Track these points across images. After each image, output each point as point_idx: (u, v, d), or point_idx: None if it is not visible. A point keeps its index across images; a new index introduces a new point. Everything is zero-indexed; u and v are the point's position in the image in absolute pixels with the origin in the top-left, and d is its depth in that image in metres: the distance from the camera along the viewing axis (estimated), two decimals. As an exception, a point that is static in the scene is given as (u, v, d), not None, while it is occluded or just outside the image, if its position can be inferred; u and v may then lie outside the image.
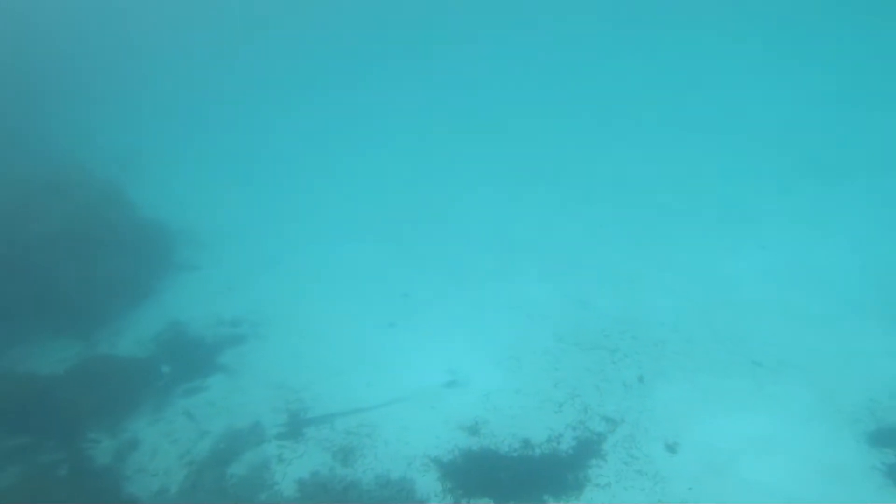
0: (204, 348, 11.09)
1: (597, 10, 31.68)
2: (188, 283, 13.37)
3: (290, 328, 11.54)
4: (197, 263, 14.16)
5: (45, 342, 11.03)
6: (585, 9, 31.87)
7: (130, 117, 24.71)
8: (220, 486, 8.13)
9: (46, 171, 12.66)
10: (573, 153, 18.72)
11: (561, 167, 17.79)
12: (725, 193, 15.16)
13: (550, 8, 32.22)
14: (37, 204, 11.74)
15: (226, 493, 7.98)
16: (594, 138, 19.64)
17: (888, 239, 12.34)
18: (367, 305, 12.07)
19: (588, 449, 8.23)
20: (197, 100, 26.88)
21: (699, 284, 11.65)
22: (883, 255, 11.88)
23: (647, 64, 26.90)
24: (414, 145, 20.32)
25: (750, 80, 23.44)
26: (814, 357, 9.54)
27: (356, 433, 8.81)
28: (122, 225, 13.23)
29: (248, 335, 11.41)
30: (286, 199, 17.33)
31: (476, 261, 13.30)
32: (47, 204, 11.85)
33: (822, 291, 11.10)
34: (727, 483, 7.47)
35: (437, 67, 28.18)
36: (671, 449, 8.09)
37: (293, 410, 9.39)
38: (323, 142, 21.74)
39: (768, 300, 10.95)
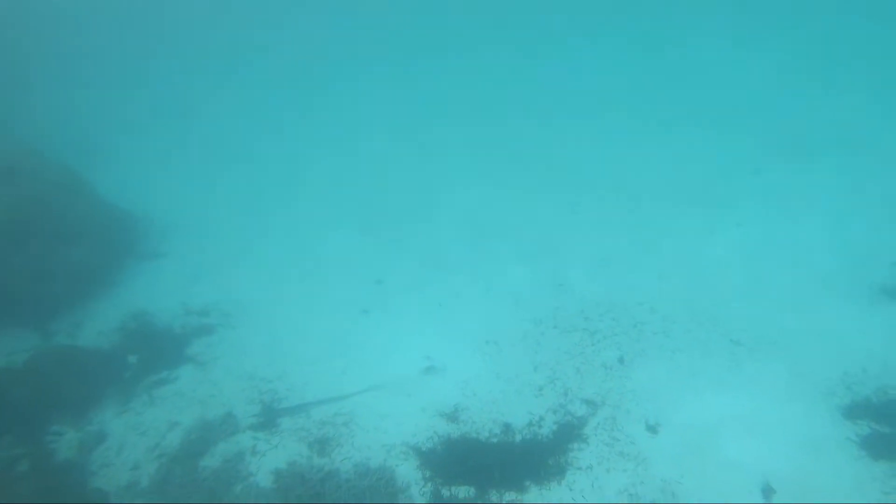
0: (172, 339, 10.77)
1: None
2: (153, 272, 12.95)
3: (260, 317, 11.26)
4: (162, 252, 13.70)
5: (1, 335, 10.56)
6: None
7: (94, 105, 23.77)
8: (193, 478, 7.91)
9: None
10: (548, 137, 18.60)
11: (534, 151, 17.66)
12: (699, 175, 15.24)
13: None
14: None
15: (199, 486, 7.77)
16: (567, 122, 19.55)
17: (859, 217, 12.56)
18: (340, 293, 11.84)
19: (569, 432, 8.23)
20: (165, 86, 26.02)
21: (676, 265, 11.71)
22: (854, 233, 12.09)
23: (617, 46, 26.89)
24: (385, 133, 19.95)
25: (720, 60, 23.57)
26: (789, 334, 9.65)
27: (332, 423, 8.66)
28: (82, 213, 12.71)
29: (217, 325, 11.10)
30: (255, 188, 16.87)
31: (450, 246, 13.16)
32: (-1, 190, 11.29)
33: (797, 270, 11.25)
34: (709, 462, 7.54)
35: (415, 59, 27.69)
36: (652, 429, 8.14)
37: (267, 401, 9.17)
38: (293, 130, 21.20)
39: (744, 280, 11.06)
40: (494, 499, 7.34)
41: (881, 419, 7.92)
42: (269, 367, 9.99)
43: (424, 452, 8.07)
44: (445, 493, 7.49)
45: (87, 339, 10.71)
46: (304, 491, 7.37)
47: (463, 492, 7.47)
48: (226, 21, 32.14)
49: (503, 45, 28.20)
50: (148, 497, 7.67)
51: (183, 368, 10.06)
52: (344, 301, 11.60)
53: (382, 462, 7.99)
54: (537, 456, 7.87)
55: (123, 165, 18.33)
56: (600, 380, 9.10)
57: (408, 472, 7.82)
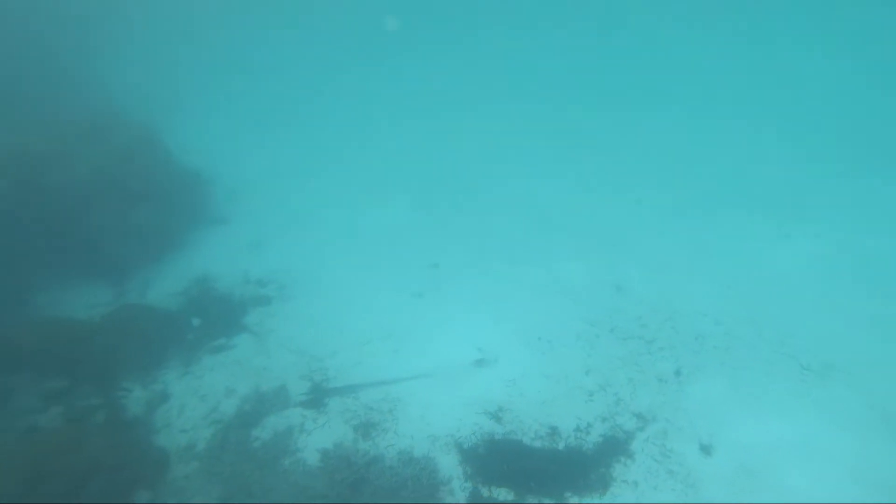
0: (231, 306, 11.19)
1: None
2: (218, 237, 13.44)
3: (315, 292, 11.54)
4: (228, 217, 14.19)
5: (77, 288, 11.27)
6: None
7: (173, 65, 24.55)
8: (245, 448, 8.27)
9: (85, 115, 12.62)
10: (618, 130, 17.98)
11: (604, 144, 17.13)
12: (777, 178, 14.42)
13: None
14: (73, 149, 11.76)
15: (250, 456, 8.13)
16: (641, 115, 18.80)
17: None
18: (396, 274, 11.96)
19: (617, 444, 8.10)
20: (242, 51, 26.58)
21: (745, 274, 11.20)
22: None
23: (702, 40, 25.43)
24: (457, 114, 19.74)
25: (805, 62, 21.98)
26: (864, 359, 9.14)
27: (378, 408, 8.83)
28: (157, 173, 13.25)
29: (273, 297, 11.46)
30: (324, 157, 17.10)
31: (510, 235, 13.02)
32: (83, 149, 11.87)
33: (878, 291, 10.56)
34: (763, 490, 7.29)
35: (485, 36, 27.07)
36: (706, 450, 7.92)
37: (317, 380, 9.43)
38: (366, 103, 21.23)
39: (819, 298, 10.47)
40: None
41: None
42: (320, 344, 10.25)
43: (467, 449, 8.14)
44: (485, 492, 7.55)
45: (155, 299, 11.28)
46: (349, 474, 7.59)
47: (502, 494, 7.50)
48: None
49: (579, 23, 27.17)
50: (204, 461, 8.09)
51: (240, 337, 10.46)
52: (398, 282, 11.73)
53: (426, 453, 8.11)
54: (581, 465, 7.81)
55: (198, 127, 18.94)
56: (654, 392, 8.89)
57: (450, 466, 7.92)
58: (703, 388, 8.86)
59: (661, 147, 16.46)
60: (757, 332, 9.80)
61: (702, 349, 9.59)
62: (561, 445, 8.15)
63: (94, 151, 11.99)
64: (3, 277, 10.19)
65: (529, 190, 14.68)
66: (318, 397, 9.14)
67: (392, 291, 11.47)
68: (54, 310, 10.61)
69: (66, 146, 11.69)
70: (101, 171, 11.85)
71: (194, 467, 7.97)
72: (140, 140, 13.29)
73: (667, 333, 10.01)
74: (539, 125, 18.12)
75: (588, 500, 7.38)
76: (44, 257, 11.01)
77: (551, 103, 19.70)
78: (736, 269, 11.35)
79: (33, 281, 10.90)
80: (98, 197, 11.78)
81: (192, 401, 9.11)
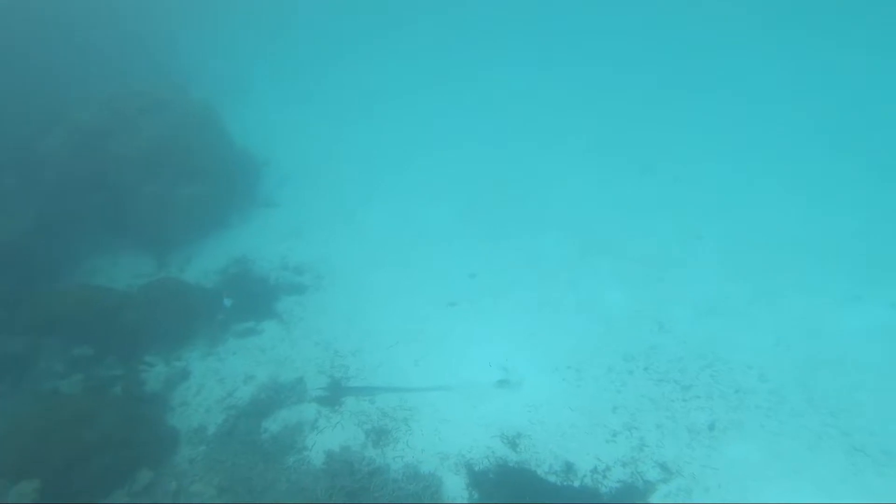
0: (265, 290, 11.24)
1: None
2: (263, 219, 13.58)
3: (349, 286, 11.46)
4: (275, 201, 14.31)
5: (122, 257, 11.57)
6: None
7: (235, 45, 25.12)
8: (253, 438, 8.22)
9: (149, 87, 12.95)
10: (682, 147, 17.12)
11: (666, 162, 16.33)
12: (857, 226, 13.31)
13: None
14: (134, 121, 12.07)
15: (257, 448, 8.07)
16: (716, 135, 17.84)
17: None
18: (432, 279, 11.73)
19: (635, 492, 7.59)
20: (305, 36, 26.94)
21: (803, 333, 10.33)
22: None
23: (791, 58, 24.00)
24: (513, 121, 19.31)
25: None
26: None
27: (392, 416, 8.62)
28: (213, 152, 13.49)
29: (308, 286, 11.44)
30: (381, 154, 17.03)
31: (552, 253, 12.56)
32: (143, 122, 12.16)
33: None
34: (787, 575, 6.64)
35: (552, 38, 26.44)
36: (729, 518, 7.31)
37: (336, 377, 9.31)
38: (438, 109, 20.93)
39: (885, 372, 9.48)
40: (537, 545, 6.95)
41: None
42: (346, 340, 10.15)
43: (477, 472, 7.82)
44: (488, 522, 7.21)
45: (193, 275, 11.46)
46: (351, 482, 7.40)
47: (506, 527, 7.14)
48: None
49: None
50: (211, 445, 8.08)
51: (268, 323, 10.48)
52: (433, 288, 11.49)
53: (433, 470, 7.84)
54: (593, 510, 7.36)
55: (261, 111, 19.25)
56: (683, 444, 8.30)
57: (456, 489, 7.62)
58: (737, 449, 8.19)
59: (729, 179, 15.54)
60: (807, 398, 9.00)
61: (741, 405, 8.89)
62: (576, 484, 7.71)
63: (154, 125, 12.27)
64: (53, 242, 10.53)
65: (582, 211, 14.10)
66: (334, 395, 9.01)
67: (425, 297, 11.25)
68: (97, 277, 10.91)
69: (127, 118, 11.99)
70: (158, 144, 12.12)
71: (201, 451, 7.97)
72: (200, 117, 13.56)
73: (705, 381, 9.35)
74: (604, 143, 17.42)
75: (594, 550, 6.93)
76: (94, 225, 11.34)
77: (621, 120, 18.95)
78: (794, 325, 10.49)
79: (81, 247, 11.23)
80: (153, 170, 12.07)
81: (210, 382, 9.16)
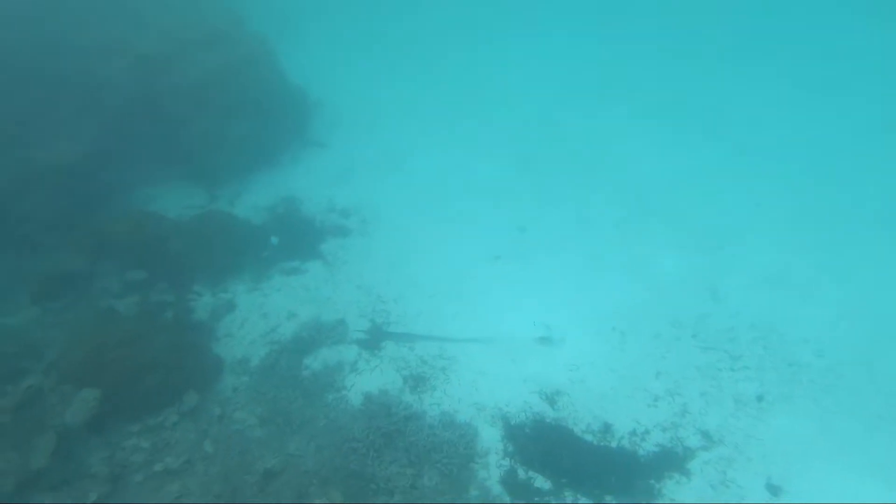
0: (310, 231, 11.26)
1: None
2: (312, 160, 13.50)
3: (394, 233, 11.36)
4: (325, 142, 14.19)
5: (174, 188, 11.72)
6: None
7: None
8: (294, 374, 8.35)
9: (207, 20, 12.80)
10: (756, 108, 16.07)
11: (734, 121, 15.39)
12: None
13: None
14: (191, 54, 12.00)
15: (297, 383, 8.20)
16: (789, 102, 16.65)
17: None
18: (480, 230, 11.50)
19: (674, 458, 7.43)
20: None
21: (868, 308, 9.76)
22: None
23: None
24: (572, 74, 18.39)
25: None
26: None
27: (431, 364, 8.62)
28: (267, 88, 13.35)
29: (353, 230, 11.40)
30: (436, 100, 16.55)
31: (607, 213, 12.10)
32: (200, 55, 12.08)
33: None
34: (828, 555, 6.42)
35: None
36: (773, 490, 7.09)
37: (377, 321, 9.31)
38: (484, 54, 20.07)
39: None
40: (568, 500, 6.91)
41: None
42: (388, 285, 10.11)
43: (513, 426, 7.77)
44: (521, 474, 7.19)
45: (242, 210, 11.55)
46: (387, 423, 7.46)
47: (539, 480, 7.11)
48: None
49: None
50: (254, 376, 8.26)
51: (313, 263, 10.52)
52: (479, 241, 11.27)
53: (469, 420, 7.83)
54: (629, 471, 7.24)
55: (313, 46, 18.92)
56: (727, 413, 8.04)
57: (491, 440, 7.61)
58: (786, 423, 7.89)
59: (806, 137, 14.54)
60: (869, 377, 8.55)
61: (794, 379, 8.53)
62: (613, 444, 7.59)
63: (211, 58, 12.18)
64: (109, 168, 10.72)
65: (639, 173, 13.47)
66: (374, 338, 9.04)
67: (471, 249, 11.05)
68: (150, 205, 11.10)
69: (185, 48, 11.92)
70: (213, 78, 12.06)
71: (244, 382, 8.16)
72: (256, 53, 13.37)
73: (757, 353, 8.99)
74: (667, 106, 16.43)
75: (628, 510, 6.85)
76: (149, 154, 11.48)
77: (688, 83, 17.82)
78: (861, 301, 9.90)
79: (136, 175, 11.42)
80: (207, 103, 12.05)
81: (254, 317, 9.31)
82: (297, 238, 11.01)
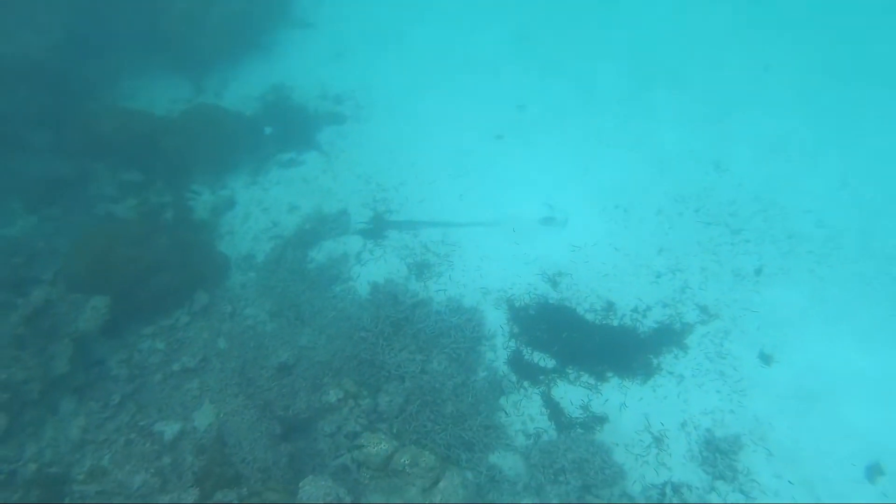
0: (305, 120, 10.54)
1: None
2: (300, 42, 12.33)
3: (391, 117, 10.63)
4: (313, 21, 12.85)
5: (159, 79, 10.81)
6: None
7: None
8: (300, 267, 8.16)
9: None
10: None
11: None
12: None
13: None
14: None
15: (304, 276, 8.04)
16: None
17: None
18: (480, 109, 10.74)
19: (672, 333, 7.43)
20: None
21: (874, 175, 9.31)
22: None
23: None
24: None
25: None
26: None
27: (435, 251, 8.38)
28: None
29: (349, 116, 10.66)
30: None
31: (610, 86, 11.23)
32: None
33: None
34: (817, 416, 6.60)
35: None
36: (765, 359, 7.15)
37: (379, 210, 8.96)
38: None
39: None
40: (571, 377, 6.99)
41: None
42: (388, 173, 9.62)
43: (517, 308, 7.70)
44: (526, 354, 7.23)
45: (230, 101, 10.73)
46: (395, 311, 7.37)
47: (544, 360, 7.16)
48: None
49: None
50: (260, 272, 8.08)
51: (309, 154, 9.96)
52: (480, 120, 10.58)
53: (475, 304, 7.74)
54: (629, 347, 7.27)
55: None
56: (726, 287, 7.93)
57: (497, 322, 7.57)
58: (782, 293, 7.80)
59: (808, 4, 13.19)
60: (863, 244, 8.34)
61: (793, 251, 8.32)
62: (615, 323, 7.56)
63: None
64: (86, 60, 9.75)
65: (641, 40, 12.27)
66: (377, 228, 8.75)
67: (471, 129, 10.39)
68: (135, 100, 10.29)
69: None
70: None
71: (251, 278, 8.00)
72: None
73: (757, 225, 8.70)
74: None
75: (629, 384, 6.95)
76: (127, 42, 10.41)
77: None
78: (864, 168, 9.43)
79: (116, 66, 10.45)
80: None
81: (255, 211, 8.96)
82: (290, 128, 10.32)
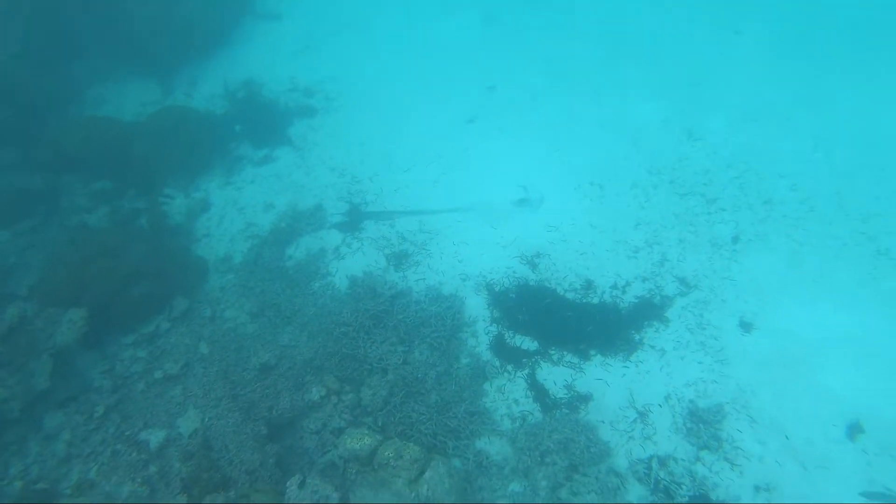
0: (276, 115, 10.27)
1: None
2: (267, 35, 12.03)
3: (362, 108, 10.40)
4: (279, 13, 12.50)
5: (126, 84, 10.52)
6: None
7: None
8: (278, 265, 8.00)
9: None
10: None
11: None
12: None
13: None
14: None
15: (282, 274, 7.88)
16: None
17: None
18: (451, 94, 10.52)
19: (653, 307, 7.33)
20: None
21: (847, 136, 9.18)
22: None
23: None
24: None
25: None
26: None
27: (412, 240, 8.22)
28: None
29: (319, 108, 10.42)
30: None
31: (581, 62, 11.00)
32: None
33: None
34: (797, 380, 6.54)
35: None
36: (746, 327, 7.08)
37: (355, 202, 8.76)
38: None
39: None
40: (555, 358, 6.90)
41: None
42: (362, 164, 9.43)
43: (498, 292, 7.58)
44: (508, 338, 7.12)
45: (200, 100, 10.48)
46: (374, 305, 7.23)
47: (526, 342, 7.06)
48: None
49: None
50: (239, 273, 7.90)
51: (282, 150, 9.74)
52: (452, 104, 10.37)
53: (455, 291, 7.62)
54: (611, 324, 7.17)
55: None
56: (704, 257, 7.82)
57: (477, 308, 7.45)
58: (759, 260, 7.71)
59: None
60: (838, 205, 8.23)
61: (768, 217, 8.20)
62: (594, 300, 7.45)
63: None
64: (48, 68, 9.42)
65: (610, 13, 12.00)
66: (353, 220, 8.57)
67: (444, 113, 10.21)
68: (104, 107, 9.99)
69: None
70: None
71: (230, 280, 7.83)
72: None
73: (732, 193, 8.57)
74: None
75: (611, 361, 6.87)
76: (90, 48, 10.07)
77: None
78: (837, 129, 9.28)
79: (81, 74, 10.11)
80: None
81: (231, 212, 8.76)
82: (262, 124, 10.06)
